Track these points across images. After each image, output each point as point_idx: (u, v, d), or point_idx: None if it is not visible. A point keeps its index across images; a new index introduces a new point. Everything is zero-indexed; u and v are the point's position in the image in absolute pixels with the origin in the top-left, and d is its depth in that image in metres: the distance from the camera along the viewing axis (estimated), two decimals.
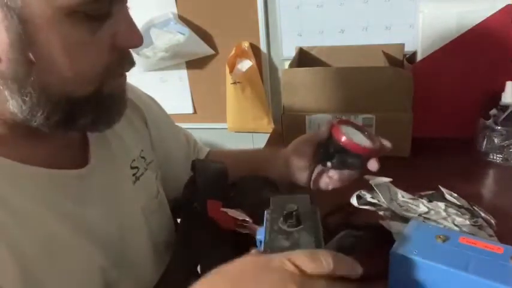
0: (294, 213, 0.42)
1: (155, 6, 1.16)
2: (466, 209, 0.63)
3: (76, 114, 0.43)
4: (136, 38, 0.44)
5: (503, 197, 0.71)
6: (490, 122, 0.81)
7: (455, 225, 0.59)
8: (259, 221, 0.51)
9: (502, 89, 0.81)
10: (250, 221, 0.52)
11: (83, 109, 0.43)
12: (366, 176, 0.64)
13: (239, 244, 0.57)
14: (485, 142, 0.83)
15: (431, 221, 0.61)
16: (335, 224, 0.64)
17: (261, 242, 0.46)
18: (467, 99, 0.89)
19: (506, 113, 0.79)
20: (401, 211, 0.62)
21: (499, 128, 0.80)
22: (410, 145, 0.86)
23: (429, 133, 0.92)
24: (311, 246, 0.39)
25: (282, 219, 0.42)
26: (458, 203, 0.65)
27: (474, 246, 0.45)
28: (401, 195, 0.67)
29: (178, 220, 0.74)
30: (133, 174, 0.58)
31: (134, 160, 0.59)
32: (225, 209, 0.56)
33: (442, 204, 0.64)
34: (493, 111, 0.81)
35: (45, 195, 0.45)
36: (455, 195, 0.66)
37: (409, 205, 0.65)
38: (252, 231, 0.52)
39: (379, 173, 0.73)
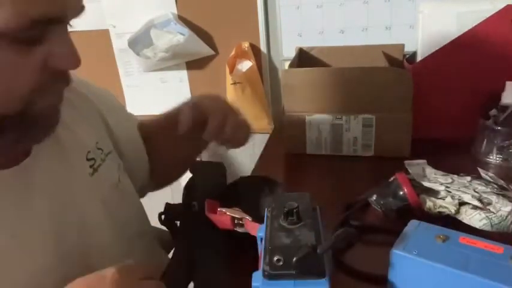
0: (295, 210, 0.42)
1: (155, 7, 1.16)
2: (500, 186, 0.65)
3: (1, 129, 0.42)
4: (71, 62, 0.43)
5: None
6: (490, 122, 0.81)
7: (476, 192, 0.62)
8: (258, 220, 0.51)
9: (502, 89, 0.81)
10: (249, 218, 0.52)
11: (8, 126, 0.42)
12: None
13: (236, 244, 0.58)
14: (485, 142, 0.83)
15: (453, 190, 0.64)
16: (337, 223, 0.65)
17: (261, 239, 0.46)
18: (467, 99, 0.89)
19: (506, 113, 0.79)
20: (428, 183, 0.66)
21: (499, 128, 0.80)
22: (410, 145, 0.86)
23: (429, 133, 0.92)
24: (311, 242, 0.39)
25: (282, 216, 0.43)
26: (490, 180, 0.67)
27: (474, 246, 0.45)
28: (434, 173, 0.71)
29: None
30: (91, 166, 0.58)
31: (89, 152, 0.59)
32: (223, 209, 0.56)
33: (468, 177, 0.67)
34: (493, 112, 0.81)
35: None
36: (492, 175, 0.69)
37: (438, 178, 0.68)
38: (251, 229, 0.52)
39: (382, 170, 0.73)
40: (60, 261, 0.50)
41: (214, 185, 0.64)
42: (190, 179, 0.69)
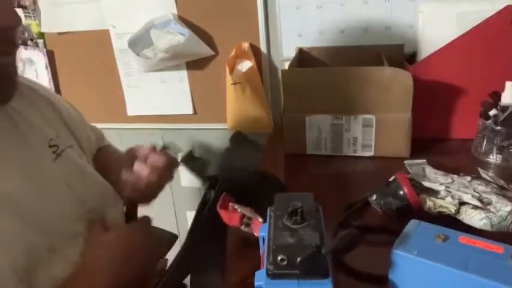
0: (299, 210, 0.42)
1: (155, 7, 1.16)
2: (500, 186, 0.65)
3: None
4: (11, 20, 0.46)
5: None
6: (490, 122, 0.82)
7: (476, 192, 0.62)
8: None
9: (502, 89, 0.81)
10: (261, 220, 0.52)
11: None
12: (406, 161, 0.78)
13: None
14: (485, 142, 0.83)
15: (453, 190, 0.64)
16: (337, 223, 0.65)
17: (264, 238, 0.46)
18: (467, 99, 0.89)
19: (506, 114, 0.79)
20: (428, 183, 0.66)
21: (499, 128, 0.80)
22: (410, 145, 0.86)
23: (429, 133, 0.93)
24: (315, 242, 0.39)
25: (286, 216, 0.43)
26: (490, 180, 0.68)
27: (474, 245, 0.45)
28: (434, 173, 0.72)
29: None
30: (54, 152, 0.60)
31: (52, 139, 0.61)
32: (235, 205, 0.56)
33: (468, 177, 0.68)
34: (493, 112, 0.81)
35: None
36: (492, 175, 0.70)
37: (438, 178, 0.69)
38: (257, 231, 0.52)
39: (382, 170, 0.74)
40: (25, 228, 0.51)
41: (248, 160, 0.64)
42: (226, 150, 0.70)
